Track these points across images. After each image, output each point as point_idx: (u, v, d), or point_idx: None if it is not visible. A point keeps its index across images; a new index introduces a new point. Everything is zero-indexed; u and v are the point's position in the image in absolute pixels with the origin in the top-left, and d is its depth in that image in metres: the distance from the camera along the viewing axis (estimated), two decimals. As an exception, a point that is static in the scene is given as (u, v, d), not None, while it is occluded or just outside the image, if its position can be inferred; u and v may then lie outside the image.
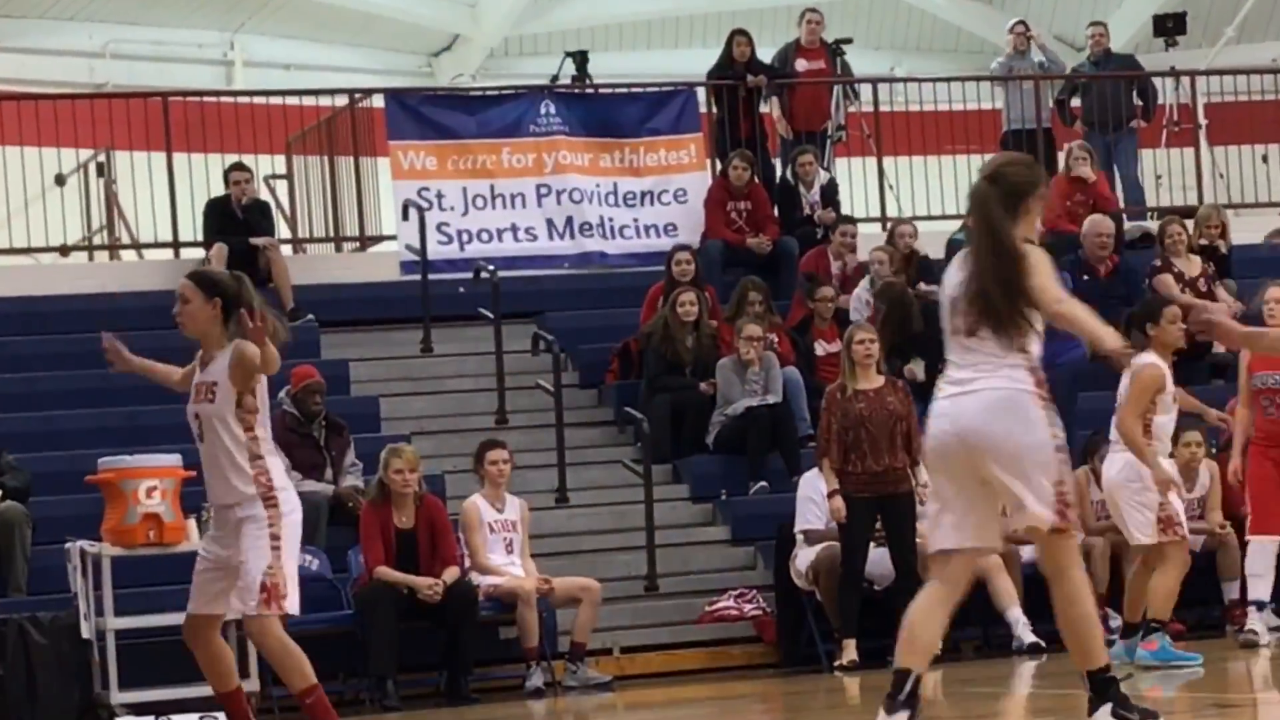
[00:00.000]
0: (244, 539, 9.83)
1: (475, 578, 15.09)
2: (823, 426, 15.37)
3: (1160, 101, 22.77)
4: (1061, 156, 21.18)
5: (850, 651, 14.92)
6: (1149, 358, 12.95)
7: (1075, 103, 22.26)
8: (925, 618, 8.30)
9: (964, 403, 8.19)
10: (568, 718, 14.56)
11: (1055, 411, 8.26)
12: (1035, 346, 8.27)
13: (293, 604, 9.87)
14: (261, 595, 9.74)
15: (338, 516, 15.76)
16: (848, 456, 15.04)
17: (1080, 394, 16.78)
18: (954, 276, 8.34)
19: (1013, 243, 8.18)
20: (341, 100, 20.83)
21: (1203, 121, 23.39)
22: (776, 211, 20.05)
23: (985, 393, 8.16)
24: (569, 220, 19.93)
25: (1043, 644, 14.36)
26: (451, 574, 14.77)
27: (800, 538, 15.64)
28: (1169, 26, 24.86)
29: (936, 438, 8.30)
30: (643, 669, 15.82)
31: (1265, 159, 22.81)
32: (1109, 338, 8.21)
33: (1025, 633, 14.68)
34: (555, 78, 22.25)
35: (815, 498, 15.52)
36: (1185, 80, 23.28)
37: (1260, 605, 14.39)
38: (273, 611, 9.81)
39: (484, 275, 18.64)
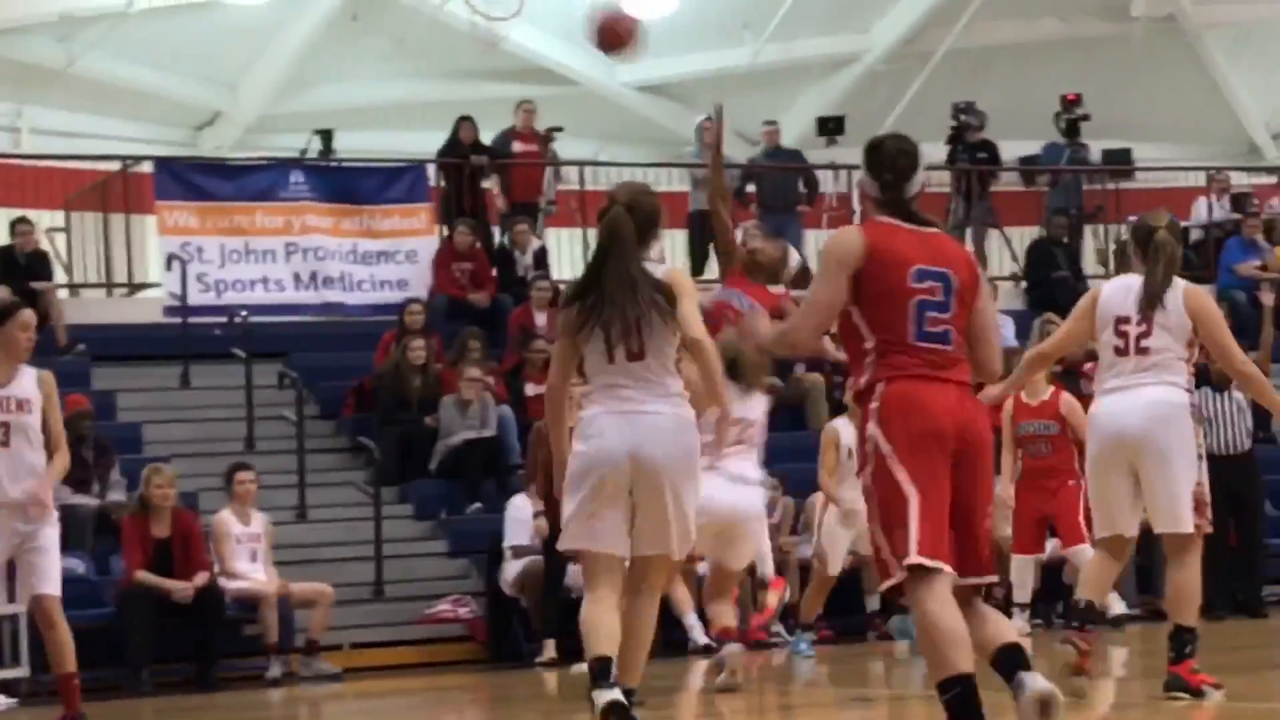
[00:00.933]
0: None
1: (223, 582, 14.99)
2: (530, 457, 15.55)
3: (822, 190, 23.09)
4: (739, 233, 21.41)
5: (550, 650, 15.01)
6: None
7: (750, 189, 22.55)
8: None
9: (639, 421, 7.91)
10: (302, 704, 14.43)
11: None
12: (688, 372, 8.13)
13: None
14: None
15: (103, 526, 15.59)
16: (551, 483, 15.11)
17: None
18: None
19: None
20: (116, 165, 20.65)
21: (857, 207, 23.74)
22: (495, 272, 20.13)
23: (653, 416, 7.91)
24: (313, 274, 19.84)
25: (714, 644, 14.48)
26: (202, 578, 14.68)
27: (508, 552, 15.71)
28: (830, 126, 25.22)
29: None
30: (369, 663, 15.73)
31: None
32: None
33: (699, 635, 14.80)
34: (304, 151, 22.16)
35: (522, 518, 15.62)
36: (844, 172, 23.63)
37: (1022, 606, 14.66)
38: None
39: (237, 320, 18.53)
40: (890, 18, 26.36)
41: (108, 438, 16.40)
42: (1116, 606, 14.74)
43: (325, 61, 25.46)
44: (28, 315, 10.36)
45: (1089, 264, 23.75)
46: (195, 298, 19.05)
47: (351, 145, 23.20)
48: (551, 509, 15.02)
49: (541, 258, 20.62)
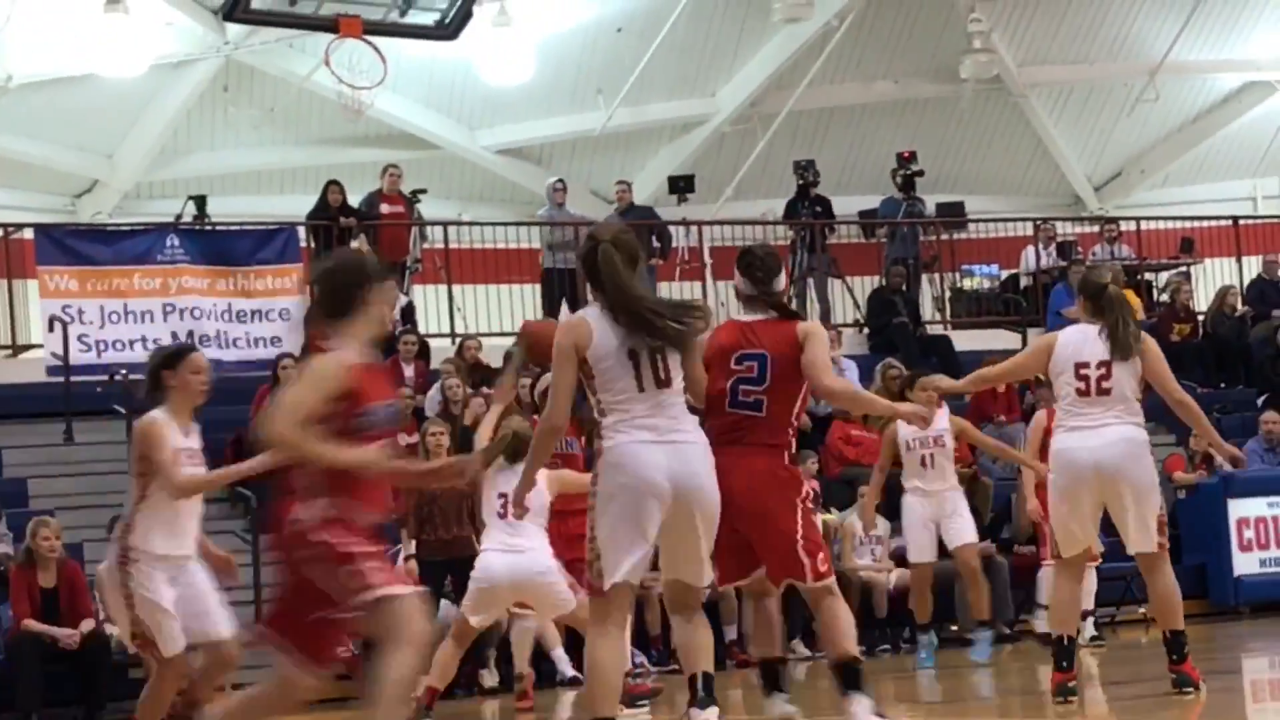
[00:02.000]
0: None
1: (108, 628, 14.87)
2: (399, 503, 15.55)
3: (674, 245, 23.24)
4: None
5: (489, 679, 15.42)
6: None
7: (606, 244, 22.64)
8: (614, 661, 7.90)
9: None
10: (187, 743, 14.37)
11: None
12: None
13: None
14: None
15: (-10, 577, 15.47)
16: (423, 526, 15.19)
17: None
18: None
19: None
20: (-3, 232, 20.54)
21: (708, 261, 23.95)
22: (365, 328, 20.10)
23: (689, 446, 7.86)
24: (190, 333, 19.72)
25: (581, 677, 14.55)
26: (87, 625, 14.64)
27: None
28: (680, 185, 25.41)
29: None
30: (251, 702, 15.67)
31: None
32: None
33: (566, 668, 14.85)
34: (179, 216, 22.05)
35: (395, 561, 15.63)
36: (694, 228, 23.82)
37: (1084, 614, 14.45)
38: None
39: (118, 378, 18.42)
40: (735, 82, 26.59)
41: (-7, 493, 16.28)
42: (1087, 631, 15.14)
43: (198, 130, 25.38)
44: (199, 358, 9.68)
45: (926, 310, 24.03)
46: (77, 357, 18.92)
47: (225, 210, 23.10)
48: (422, 550, 15.09)
49: (408, 313, 20.66)
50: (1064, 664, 9.98)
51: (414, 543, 15.18)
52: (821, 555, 8.40)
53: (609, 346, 7.67)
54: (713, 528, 7.82)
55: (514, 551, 11.70)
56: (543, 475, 10.67)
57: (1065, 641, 10.01)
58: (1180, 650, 9.94)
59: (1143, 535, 9.91)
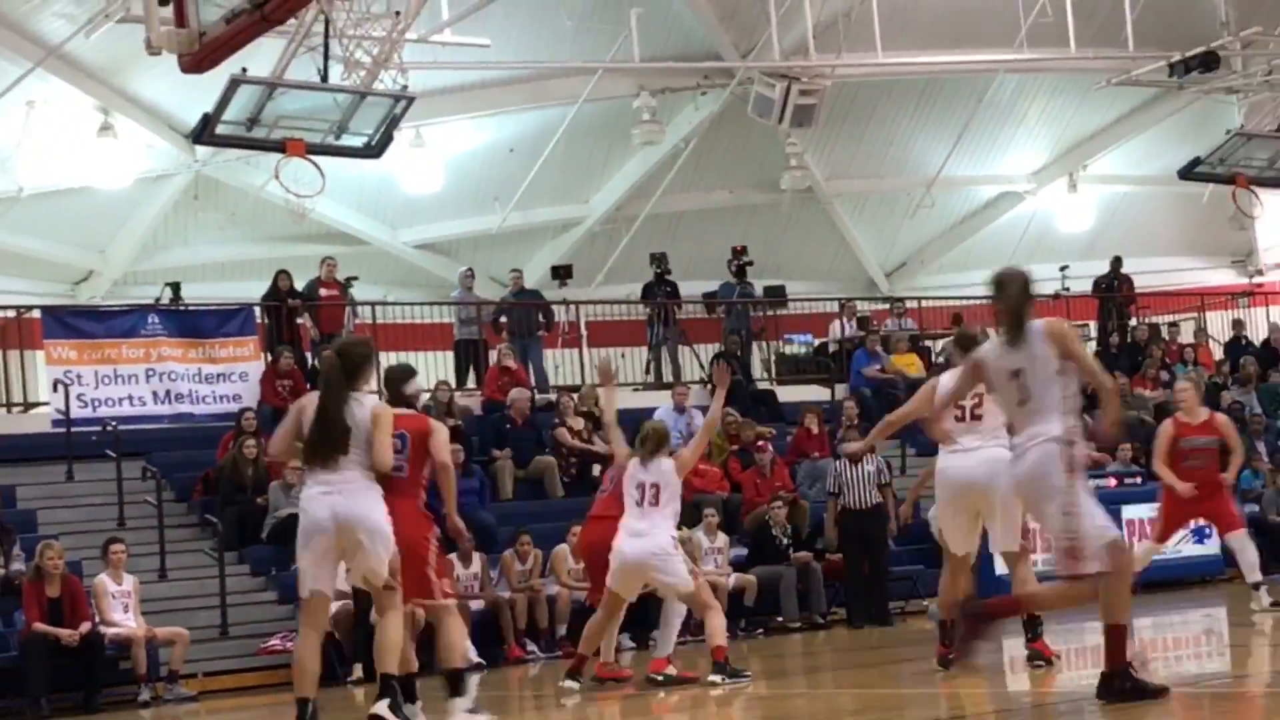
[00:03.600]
0: None
1: (103, 629, 14.70)
2: None
3: (557, 320, 23.28)
4: (494, 354, 21.62)
5: (358, 671, 14.97)
6: None
7: (503, 320, 22.68)
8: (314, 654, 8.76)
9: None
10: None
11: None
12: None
13: None
14: None
15: (7, 590, 15.21)
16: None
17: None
18: None
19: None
20: (11, 313, 20.28)
21: (584, 332, 24.05)
22: (309, 387, 19.93)
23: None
24: (168, 392, 19.58)
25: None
26: (85, 627, 14.43)
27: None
28: (561, 273, 25.47)
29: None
30: (219, 687, 15.49)
31: (623, 356, 23.51)
32: None
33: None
34: (159, 299, 21.88)
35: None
36: (573, 306, 23.89)
37: (1256, 586, 13.78)
38: None
39: (109, 429, 18.23)
40: (604, 191, 26.73)
41: (9, 521, 16.03)
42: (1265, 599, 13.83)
43: (173, 231, 25.20)
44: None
45: (756, 370, 24.19)
46: (76, 413, 18.67)
47: (195, 294, 22.93)
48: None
49: (345, 376, 20.50)
50: (945, 640, 9.87)
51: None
52: (446, 580, 9.29)
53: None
54: (376, 548, 8.62)
55: (638, 536, 11.31)
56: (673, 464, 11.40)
57: (948, 624, 9.80)
58: (1035, 630, 9.90)
59: (1007, 537, 9.84)
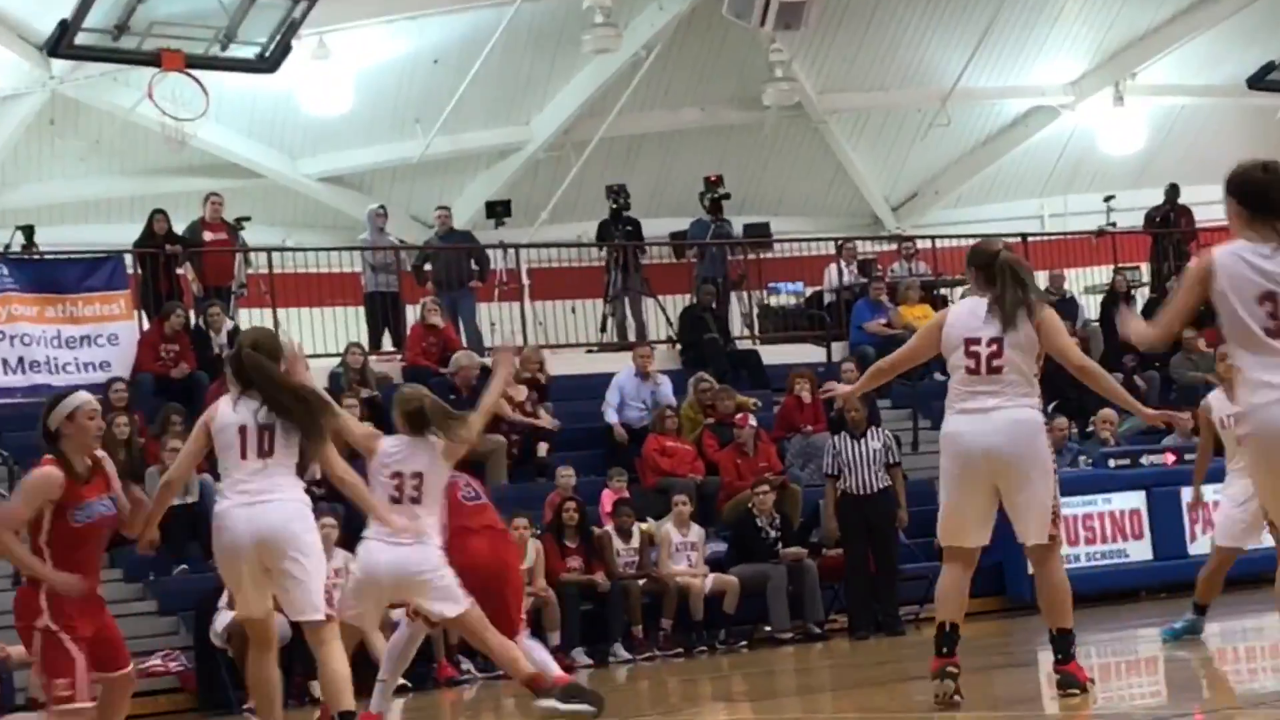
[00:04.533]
0: None
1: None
2: None
3: (492, 267, 23.29)
4: (415, 309, 21.62)
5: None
6: None
7: (428, 268, 22.69)
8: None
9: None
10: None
11: None
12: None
13: None
14: None
15: None
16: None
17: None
18: None
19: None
20: None
21: (526, 282, 24.04)
22: (196, 356, 19.96)
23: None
24: (20, 360, 19.53)
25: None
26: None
27: (224, 600, 15.55)
28: (498, 210, 25.47)
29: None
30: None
31: (574, 310, 23.51)
32: None
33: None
34: (7, 246, 21.80)
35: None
36: (512, 251, 23.90)
37: None
38: None
39: (-52, 404, 18.18)
40: (548, 111, 26.70)
41: None
42: None
43: (25, 162, 25.07)
44: None
45: (735, 326, 24.26)
46: (-92, 385, 18.64)
47: (53, 239, 22.84)
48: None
49: (234, 336, 20.51)
50: (943, 649, 9.09)
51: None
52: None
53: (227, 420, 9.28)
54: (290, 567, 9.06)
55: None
56: None
57: (947, 628, 9.13)
58: (1066, 650, 9.15)
59: (1036, 525, 9.02)
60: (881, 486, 17.54)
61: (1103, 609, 17.44)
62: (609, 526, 17.72)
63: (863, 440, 17.52)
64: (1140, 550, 19.60)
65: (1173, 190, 26.76)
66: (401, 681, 14.76)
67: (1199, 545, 17.85)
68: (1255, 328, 6.90)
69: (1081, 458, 19.97)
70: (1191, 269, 7.29)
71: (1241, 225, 7.06)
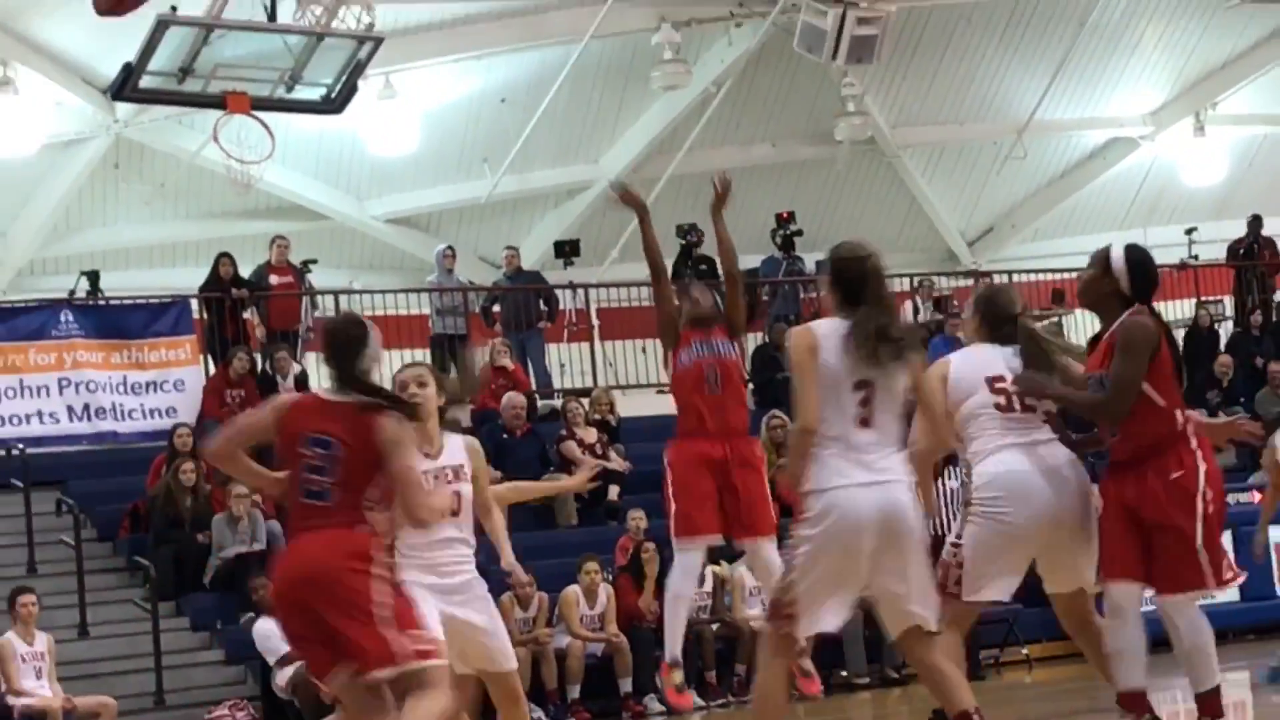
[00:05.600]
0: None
1: (10, 700, 14.78)
2: None
3: (561, 307, 23.32)
4: (485, 351, 21.65)
5: None
6: None
7: (496, 309, 22.74)
8: None
9: None
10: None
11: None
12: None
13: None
14: None
15: (-109, 653, 15.30)
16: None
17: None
18: None
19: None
20: (-110, 311, 20.38)
21: (595, 322, 24.05)
22: (262, 397, 20.07)
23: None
24: (86, 406, 19.68)
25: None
26: (-10, 695, 14.48)
27: (274, 662, 15.64)
28: (566, 249, 25.52)
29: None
30: (153, 769, 15.64)
31: (645, 350, 23.53)
32: None
33: None
34: (73, 292, 21.97)
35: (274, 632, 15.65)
36: (580, 290, 23.92)
37: None
38: None
39: (14, 453, 18.33)
40: (617, 149, 26.74)
41: (-107, 569, 16.14)
42: None
43: (90, 207, 25.26)
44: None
45: (809, 366, 24.15)
46: (-27, 433, 18.82)
47: (118, 284, 23.02)
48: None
49: (302, 381, 20.61)
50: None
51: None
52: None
53: None
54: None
55: None
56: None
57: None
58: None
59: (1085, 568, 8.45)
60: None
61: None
62: (682, 570, 17.64)
63: (940, 479, 17.41)
64: (1228, 591, 19.34)
65: (1255, 222, 26.59)
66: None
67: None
68: None
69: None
70: None
71: None
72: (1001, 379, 8.37)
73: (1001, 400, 8.34)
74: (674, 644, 10.83)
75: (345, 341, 7.59)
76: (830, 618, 7.67)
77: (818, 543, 7.52)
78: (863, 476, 7.53)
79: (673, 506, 10.88)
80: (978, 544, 8.40)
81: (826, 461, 7.54)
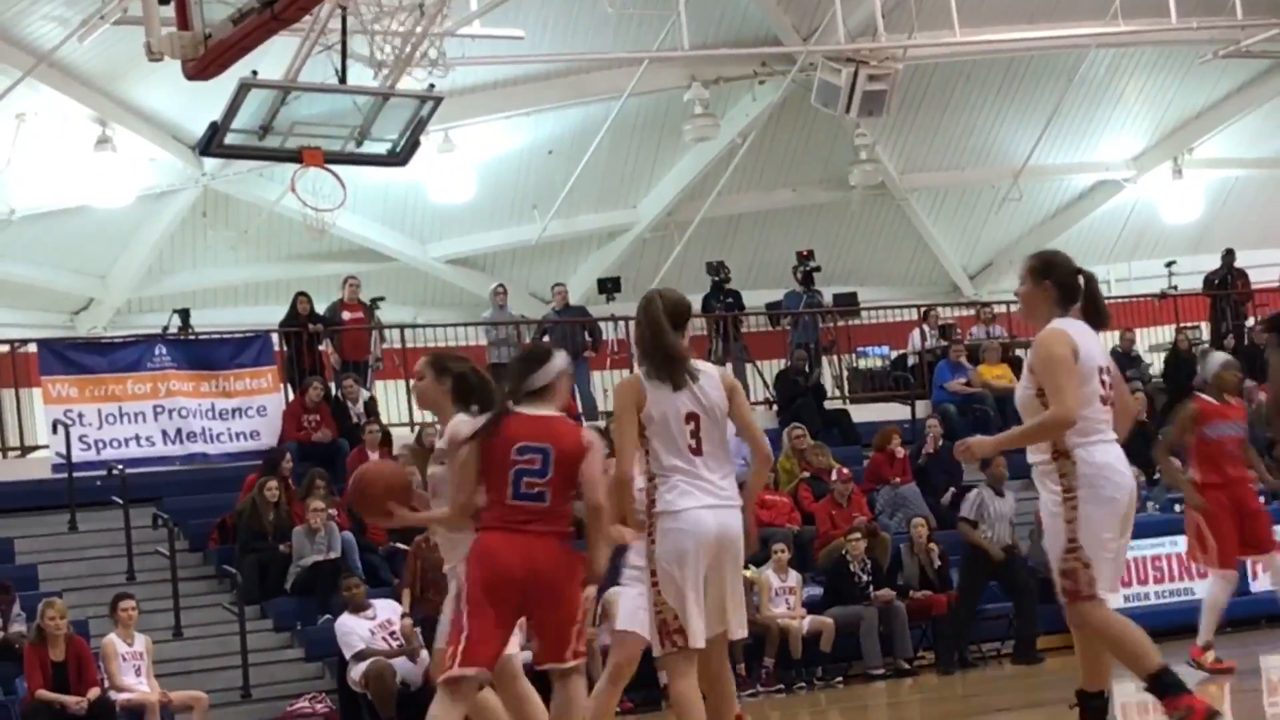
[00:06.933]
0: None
1: (113, 695, 14.79)
2: (406, 568, 16.14)
3: (605, 338, 23.33)
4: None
5: None
6: None
7: (546, 339, 22.73)
8: None
9: None
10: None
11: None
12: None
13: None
14: None
15: (6, 655, 15.34)
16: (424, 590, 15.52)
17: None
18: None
19: None
20: (5, 347, 20.42)
21: (635, 351, 24.00)
22: (337, 422, 20.09)
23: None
24: (178, 431, 19.73)
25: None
26: (94, 693, 14.49)
27: (350, 657, 15.67)
28: (609, 286, 25.53)
29: None
30: (242, 755, 15.66)
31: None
32: None
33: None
34: (166, 328, 22.07)
35: (358, 630, 15.67)
36: (622, 323, 23.92)
37: None
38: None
39: (114, 473, 18.38)
40: (653, 195, 26.78)
41: (7, 578, 16.18)
42: None
43: (181, 251, 25.40)
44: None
45: (827, 388, 24.16)
46: (78, 456, 18.85)
47: (206, 320, 23.13)
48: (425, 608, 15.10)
49: (371, 407, 20.70)
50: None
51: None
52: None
53: None
54: None
55: None
56: None
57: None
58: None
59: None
60: (1009, 543, 17.41)
61: (1174, 642, 17.14)
62: (714, 574, 17.62)
63: (1000, 498, 17.46)
64: (1205, 587, 19.22)
65: (1229, 255, 26.50)
66: None
67: (1259, 583, 17.52)
68: None
69: (1149, 503, 19.74)
70: None
71: None
72: (1106, 370, 7.61)
73: (1104, 392, 7.51)
74: None
75: (523, 362, 7.86)
76: None
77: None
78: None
79: None
80: (1093, 530, 7.32)
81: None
